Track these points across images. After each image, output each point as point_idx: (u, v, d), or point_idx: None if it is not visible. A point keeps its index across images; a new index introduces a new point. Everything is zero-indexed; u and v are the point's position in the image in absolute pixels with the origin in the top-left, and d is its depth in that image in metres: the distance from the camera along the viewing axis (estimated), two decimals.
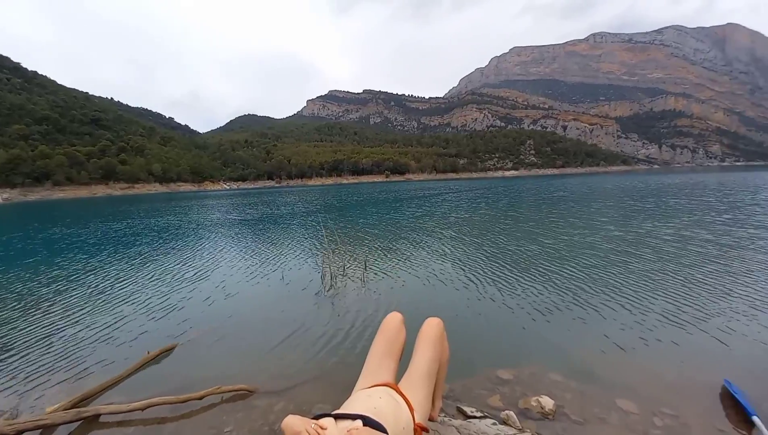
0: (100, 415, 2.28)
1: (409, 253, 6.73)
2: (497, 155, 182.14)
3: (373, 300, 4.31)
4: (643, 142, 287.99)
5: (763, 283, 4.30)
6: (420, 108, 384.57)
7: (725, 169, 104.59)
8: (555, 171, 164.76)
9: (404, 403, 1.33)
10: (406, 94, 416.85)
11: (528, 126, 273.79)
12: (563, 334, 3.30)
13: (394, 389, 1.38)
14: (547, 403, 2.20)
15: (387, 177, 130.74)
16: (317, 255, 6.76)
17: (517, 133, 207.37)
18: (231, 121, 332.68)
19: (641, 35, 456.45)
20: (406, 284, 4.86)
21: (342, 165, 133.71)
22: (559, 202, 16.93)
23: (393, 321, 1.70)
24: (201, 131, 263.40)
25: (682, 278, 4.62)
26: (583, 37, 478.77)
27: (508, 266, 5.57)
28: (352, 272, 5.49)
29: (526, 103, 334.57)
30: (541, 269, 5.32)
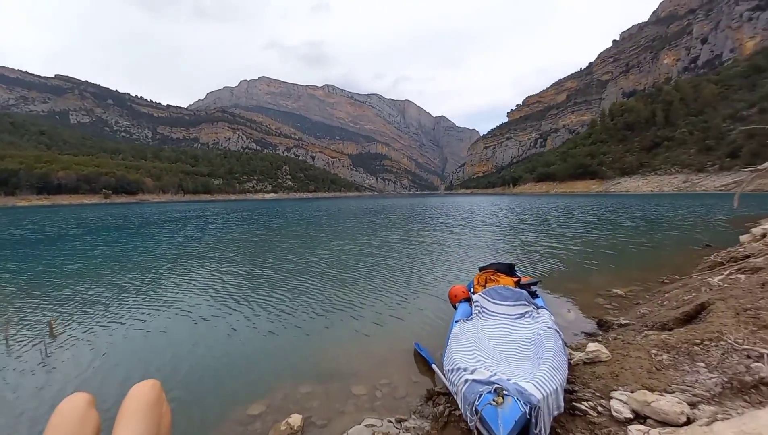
0: None
1: (127, 298, 5.19)
2: (256, 177, 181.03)
3: (61, 380, 2.92)
4: (367, 175, 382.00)
5: (439, 270, 6.60)
6: (156, 115, 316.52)
7: (411, 195, 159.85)
8: (309, 194, 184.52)
9: None
10: (134, 95, 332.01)
11: (283, 152, 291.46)
12: (308, 343, 3.56)
13: None
14: (296, 420, 2.22)
15: (107, 197, 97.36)
16: None
17: (274, 158, 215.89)
18: None
19: (358, 95, 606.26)
20: (119, 344, 3.66)
21: (17, 178, 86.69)
22: (321, 220, 19.00)
23: (71, 409, 1.18)
24: None
25: (390, 273, 6.25)
26: (320, 85, 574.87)
27: (256, 288, 5.47)
28: (24, 345, 3.53)
29: (279, 131, 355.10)
30: (290, 284, 5.60)
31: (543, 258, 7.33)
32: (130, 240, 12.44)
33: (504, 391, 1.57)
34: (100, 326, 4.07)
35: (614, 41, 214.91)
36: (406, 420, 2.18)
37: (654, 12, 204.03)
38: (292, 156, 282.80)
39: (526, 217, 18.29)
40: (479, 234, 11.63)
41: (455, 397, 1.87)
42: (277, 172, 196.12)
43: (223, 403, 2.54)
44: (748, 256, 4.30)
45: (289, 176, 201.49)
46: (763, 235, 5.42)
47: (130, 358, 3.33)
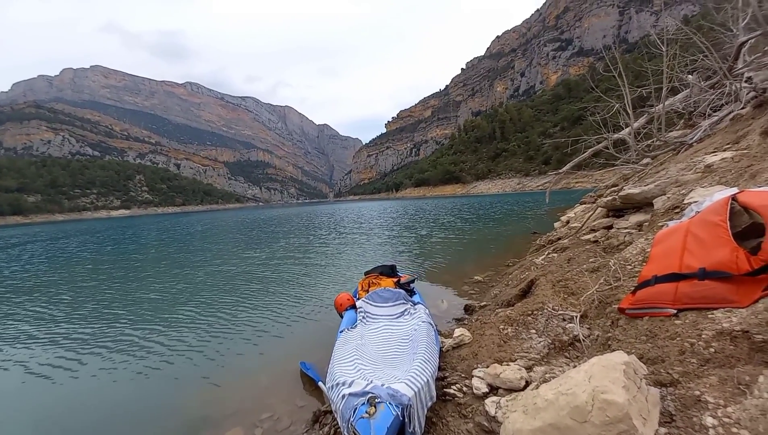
0: None
1: None
2: (96, 191, 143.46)
3: None
4: (249, 184, 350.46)
5: (330, 279, 6.41)
6: None
7: (301, 204, 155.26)
8: (176, 209, 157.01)
9: None
10: None
11: (135, 159, 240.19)
12: (174, 389, 2.95)
13: None
14: None
15: None
16: None
17: (122, 166, 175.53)
18: None
19: (231, 97, 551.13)
20: None
21: None
22: (190, 238, 16.16)
23: None
24: None
25: (275, 288, 5.78)
26: (180, 82, 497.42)
27: (103, 330, 4.25)
28: None
29: (126, 133, 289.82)
30: (148, 318, 4.56)
31: (425, 254, 8.08)
32: None
33: (377, 399, 1.59)
34: None
35: (462, 69, 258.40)
36: None
37: (488, 48, 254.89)
38: (149, 163, 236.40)
39: (415, 217, 20.27)
40: (370, 236, 12.09)
41: (335, 415, 1.84)
42: (127, 184, 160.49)
43: None
44: (559, 239, 5.63)
45: (145, 188, 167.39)
46: (568, 222, 7.26)
47: None
